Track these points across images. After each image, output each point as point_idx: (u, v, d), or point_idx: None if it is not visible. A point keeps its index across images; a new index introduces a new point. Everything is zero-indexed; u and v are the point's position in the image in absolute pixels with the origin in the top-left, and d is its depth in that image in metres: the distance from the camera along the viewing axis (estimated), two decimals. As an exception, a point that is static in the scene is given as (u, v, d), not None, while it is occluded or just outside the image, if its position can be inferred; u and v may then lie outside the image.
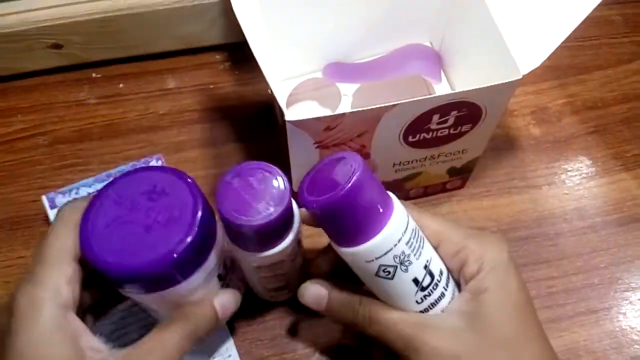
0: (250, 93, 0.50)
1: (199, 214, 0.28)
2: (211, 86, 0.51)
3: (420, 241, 0.30)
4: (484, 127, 0.37)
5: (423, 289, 0.30)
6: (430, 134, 0.36)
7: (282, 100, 0.32)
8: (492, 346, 0.28)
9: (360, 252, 0.28)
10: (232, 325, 0.40)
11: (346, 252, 0.29)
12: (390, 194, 0.30)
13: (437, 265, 0.31)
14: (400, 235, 0.28)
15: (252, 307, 0.40)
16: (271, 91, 0.33)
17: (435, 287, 0.30)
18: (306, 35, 0.42)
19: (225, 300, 0.33)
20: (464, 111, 0.34)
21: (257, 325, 0.40)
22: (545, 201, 0.45)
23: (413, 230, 0.29)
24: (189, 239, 0.27)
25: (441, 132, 0.36)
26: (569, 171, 0.47)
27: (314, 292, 0.33)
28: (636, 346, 0.39)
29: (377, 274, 0.29)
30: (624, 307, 0.41)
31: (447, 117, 0.35)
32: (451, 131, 0.36)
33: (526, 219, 0.44)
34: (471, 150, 0.40)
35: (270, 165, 0.30)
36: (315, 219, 0.30)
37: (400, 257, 0.29)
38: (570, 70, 0.52)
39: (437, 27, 0.45)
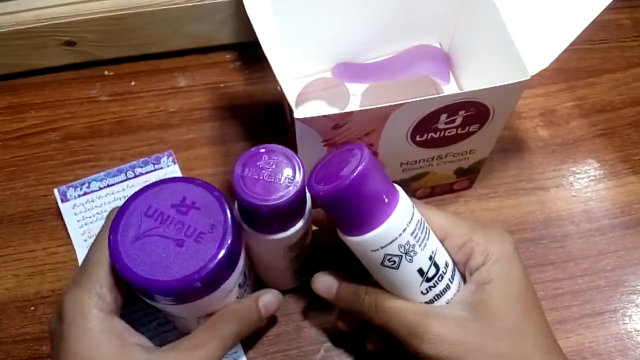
0: (259, 92, 0.51)
1: (230, 231, 0.28)
2: (221, 85, 0.51)
3: (426, 232, 0.30)
4: (492, 127, 0.37)
5: (428, 279, 0.30)
6: (438, 133, 0.36)
7: (291, 99, 0.32)
8: (496, 335, 0.29)
9: (365, 241, 0.29)
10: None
11: (352, 241, 0.30)
12: (396, 185, 0.30)
13: (442, 257, 0.31)
14: (405, 226, 0.29)
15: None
16: (281, 89, 0.33)
17: (440, 278, 0.30)
18: (316, 36, 0.43)
19: (269, 300, 0.35)
20: (472, 111, 0.35)
21: (263, 322, 0.40)
22: (553, 203, 0.45)
23: (418, 221, 0.30)
24: (220, 256, 0.28)
25: (449, 132, 0.36)
26: (577, 173, 0.47)
27: (325, 281, 0.35)
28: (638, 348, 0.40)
29: (382, 264, 0.29)
30: (630, 309, 0.41)
31: (454, 117, 0.35)
32: (459, 131, 0.37)
33: (533, 220, 0.44)
34: (479, 151, 0.40)
35: (268, 145, 0.30)
36: (323, 208, 0.31)
37: (405, 247, 0.29)
38: (579, 73, 0.52)
39: (446, 28, 0.45)
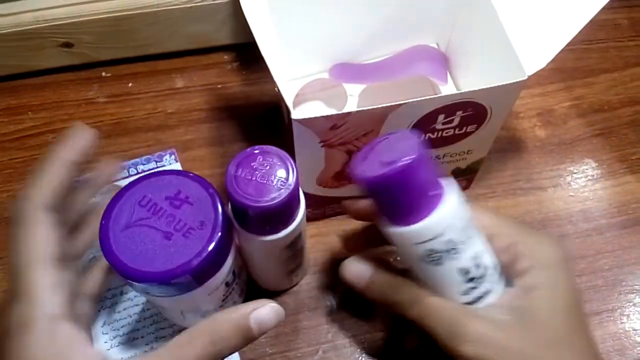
0: (257, 93, 0.51)
1: (219, 229, 0.28)
2: (219, 86, 0.51)
3: (472, 231, 0.29)
4: (489, 127, 0.37)
5: (470, 280, 0.29)
6: (436, 134, 0.36)
7: (289, 100, 0.32)
8: (542, 344, 0.27)
9: (410, 232, 0.27)
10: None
11: (395, 231, 0.28)
12: (449, 177, 0.29)
13: (487, 259, 0.29)
14: (453, 221, 0.27)
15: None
16: (278, 89, 0.33)
17: (483, 280, 0.29)
18: (313, 36, 0.43)
19: (263, 317, 0.27)
20: (470, 111, 0.35)
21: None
22: (551, 203, 0.45)
23: (466, 218, 0.28)
24: (205, 254, 0.27)
25: (446, 133, 0.36)
26: (575, 173, 0.47)
27: (357, 268, 0.32)
28: (639, 348, 0.40)
29: (424, 259, 0.28)
30: (628, 309, 0.41)
31: (452, 117, 0.35)
32: (456, 131, 0.37)
33: (531, 220, 0.44)
34: (476, 151, 0.40)
35: (262, 146, 0.30)
36: (370, 194, 0.29)
37: (450, 244, 0.27)
38: (576, 73, 0.52)
39: (443, 29, 0.45)
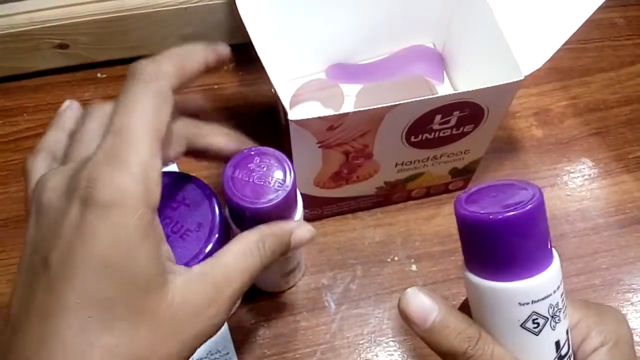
0: (253, 94, 0.50)
1: (216, 231, 0.28)
2: (215, 87, 0.51)
3: (565, 300, 0.26)
4: (486, 127, 0.37)
5: (561, 357, 0.25)
6: (433, 134, 0.36)
7: (285, 101, 0.32)
8: None
9: (519, 289, 0.24)
10: (233, 323, 0.40)
11: (497, 287, 0.24)
12: None
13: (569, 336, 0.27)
14: (559, 282, 0.24)
15: (253, 306, 0.40)
16: (275, 91, 0.33)
17: (569, 358, 0.26)
18: (310, 37, 0.43)
19: (302, 235, 0.29)
20: (466, 111, 0.35)
21: (258, 324, 0.40)
22: (548, 202, 0.44)
23: (563, 282, 0.25)
24: (202, 256, 0.27)
25: (443, 133, 0.36)
26: (571, 173, 0.47)
27: (422, 303, 0.25)
28: (637, 347, 0.40)
29: (523, 324, 0.24)
30: (625, 308, 0.41)
31: (449, 118, 0.35)
32: (453, 131, 0.37)
33: (528, 220, 0.44)
34: (473, 151, 0.40)
35: (260, 147, 0.30)
36: (471, 238, 0.25)
37: (554, 309, 0.24)
38: (572, 72, 0.52)
39: (440, 29, 0.45)
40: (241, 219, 0.30)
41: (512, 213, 0.22)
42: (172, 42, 0.50)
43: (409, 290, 0.26)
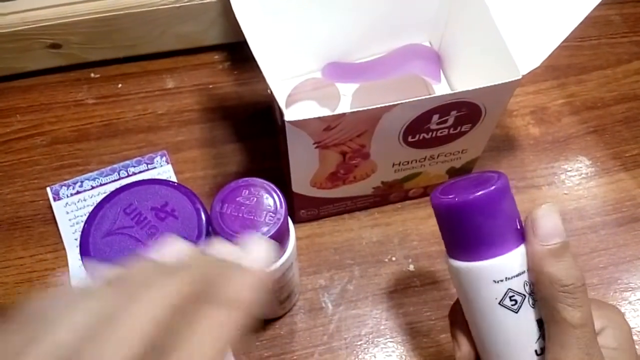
0: (249, 93, 0.50)
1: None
2: (210, 86, 0.50)
3: None
4: (484, 127, 0.37)
5: (544, 336, 0.26)
6: (430, 134, 0.36)
7: (281, 100, 0.32)
8: None
9: (493, 266, 0.25)
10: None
11: (472, 266, 0.26)
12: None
13: None
14: None
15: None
16: (270, 91, 0.33)
17: None
18: (305, 35, 0.42)
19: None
20: (464, 111, 0.34)
21: (256, 326, 0.40)
22: (545, 201, 0.45)
23: None
24: None
25: (441, 132, 0.36)
26: (569, 171, 0.47)
27: (556, 223, 0.26)
28: (636, 346, 0.39)
29: (501, 302, 0.25)
30: (623, 307, 0.41)
31: (446, 117, 0.35)
32: (451, 131, 0.36)
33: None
34: (471, 150, 0.40)
35: (247, 178, 0.29)
36: (446, 223, 0.27)
37: (530, 286, 0.25)
38: (569, 70, 0.52)
39: (436, 27, 0.45)
40: None
41: (475, 194, 0.25)
42: (166, 41, 0.50)
43: (547, 204, 0.26)
